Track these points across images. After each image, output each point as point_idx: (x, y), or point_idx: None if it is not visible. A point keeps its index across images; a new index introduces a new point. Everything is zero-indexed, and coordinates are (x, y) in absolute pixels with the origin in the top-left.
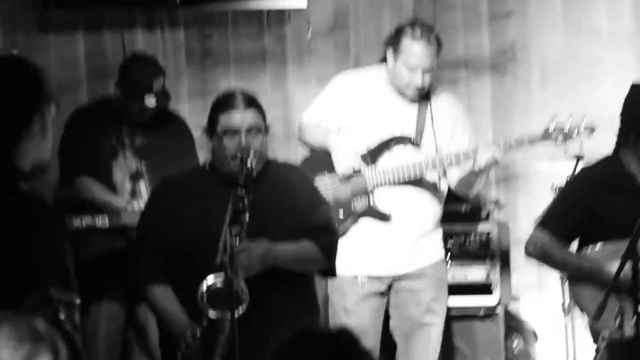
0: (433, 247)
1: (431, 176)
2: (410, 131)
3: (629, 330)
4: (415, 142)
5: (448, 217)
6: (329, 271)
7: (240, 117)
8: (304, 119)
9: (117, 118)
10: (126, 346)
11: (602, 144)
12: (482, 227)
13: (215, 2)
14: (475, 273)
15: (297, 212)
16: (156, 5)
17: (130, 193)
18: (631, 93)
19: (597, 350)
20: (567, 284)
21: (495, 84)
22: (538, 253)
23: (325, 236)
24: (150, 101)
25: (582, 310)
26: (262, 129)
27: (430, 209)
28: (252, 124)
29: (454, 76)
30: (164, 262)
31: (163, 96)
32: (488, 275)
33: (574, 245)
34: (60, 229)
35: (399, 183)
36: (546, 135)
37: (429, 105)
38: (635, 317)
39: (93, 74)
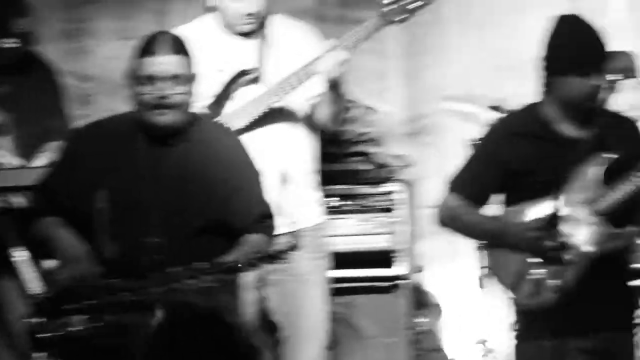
0: (309, 204)
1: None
2: (248, 65)
3: (546, 297)
4: (257, 78)
5: (346, 177)
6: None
7: (161, 62)
8: None
9: None
10: None
11: (521, 91)
12: (385, 188)
13: None
14: (376, 241)
15: (227, 184)
16: None
17: None
18: (554, 28)
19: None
20: (482, 252)
21: (407, 22)
22: (448, 220)
23: (269, 223)
24: (9, 43)
25: (498, 278)
26: (186, 77)
27: (295, 142)
28: (175, 72)
29: (360, 15)
30: (62, 202)
31: (26, 38)
32: (391, 243)
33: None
34: None
35: (250, 126)
36: (383, 18)
37: (264, 34)
38: (552, 285)
39: None
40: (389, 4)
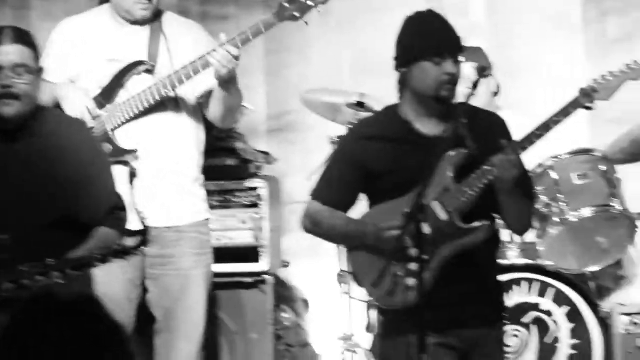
0: (194, 200)
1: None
2: (142, 56)
3: (402, 297)
4: (149, 69)
5: (212, 173)
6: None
7: (6, 51)
8: None
9: None
10: None
11: (384, 89)
12: (250, 183)
13: None
14: (241, 236)
15: (76, 177)
16: None
17: None
18: (403, 27)
19: (370, 318)
20: (343, 249)
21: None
22: (311, 227)
23: (121, 216)
24: None
25: (356, 278)
26: (31, 68)
27: (183, 136)
28: (19, 62)
29: (223, 12)
30: None
31: None
32: (256, 239)
33: None
34: None
35: (140, 115)
36: (280, 13)
37: (160, 26)
38: (410, 284)
39: None
40: (285, 2)
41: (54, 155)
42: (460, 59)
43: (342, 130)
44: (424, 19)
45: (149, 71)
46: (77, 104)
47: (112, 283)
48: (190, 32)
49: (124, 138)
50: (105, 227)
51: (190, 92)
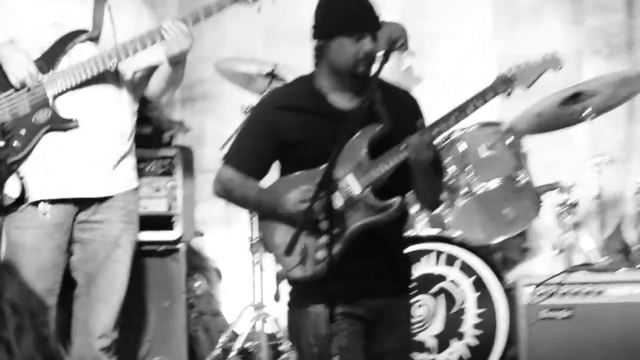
0: (123, 171)
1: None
2: (86, 27)
3: (311, 269)
4: (92, 37)
5: None
6: None
7: None
8: None
9: None
10: None
11: (297, 59)
12: (164, 152)
13: None
14: (154, 204)
15: None
16: None
17: None
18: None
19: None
20: (255, 220)
21: None
22: (223, 192)
23: None
24: None
25: (265, 247)
26: None
27: (120, 108)
28: None
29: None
30: None
31: None
32: (169, 207)
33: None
34: None
35: (81, 84)
36: None
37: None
38: (319, 256)
39: None
40: None
41: None
42: (379, 34)
43: (256, 99)
44: None
45: (93, 40)
46: (21, 67)
47: (40, 250)
48: (133, 5)
49: (63, 105)
50: None
51: (128, 66)
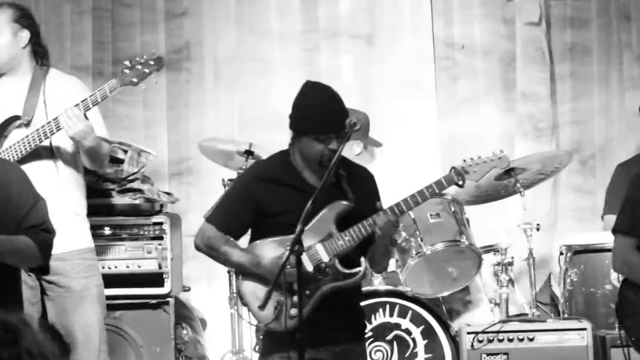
0: (76, 232)
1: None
2: (19, 112)
3: (284, 323)
4: (25, 122)
5: (122, 210)
6: (44, 268)
7: None
8: None
9: None
10: None
11: (278, 141)
12: (155, 219)
13: None
14: (148, 264)
15: (13, 208)
16: None
17: None
18: (299, 92)
19: (257, 338)
20: (235, 277)
21: (170, 81)
22: (204, 246)
23: (42, 234)
24: None
25: (243, 302)
26: None
27: (59, 179)
28: None
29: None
30: None
31: None
32: (160, 266)
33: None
34: None
35: (21, 161)
36: (122, 78)
37: (42, 83)
38: (292, 313)
39: None
40: (128, 66)
41: None
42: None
43: (233, 174)
44: (317, 94)
45: (28, 123)
46: None
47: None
48: (64, 88)
49: None
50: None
51: (65, 141)
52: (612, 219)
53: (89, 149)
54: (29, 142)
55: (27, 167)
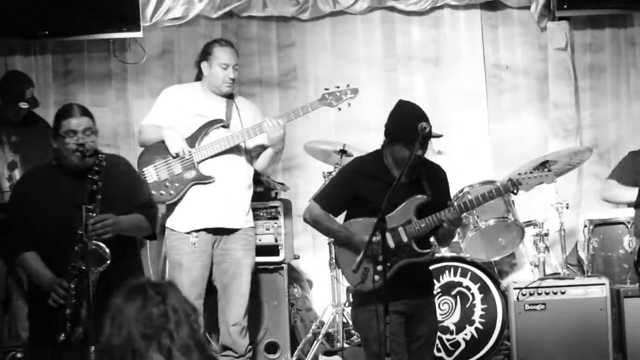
0: (245, 213)
1: (243, 148)
2: (221, 117)
3: (370, 285)
4: (225, 125)
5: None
6: (152, 236)
7: (77, 121)
8: (143, 123)
9: None
10: (8, 291)
11: (366, 142)
12: (272, 203)
13: (73, 34)
14: (267, 238)
15: (128, 192)
16: (30, 37)
17: (7, 179)
18: (393, 108)
19: (349, 297)
20: (333, 247)
21: (282, 97)
22: (311, 220)
23: (150, 210)
24: (23, 105)
25: (339, 267)
26: (93, 130)
27: (242, 170)
28: (86, 127)
29: (251, 91)
30: (30, 235)
31: (33, 102)
32: (276, 240)
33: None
34: None
35: (218, 154)
36: (322, 100)
37: (234, 101)
38: (376, 278)
39: None
40: (328, 92)
41: (116, 184)
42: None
43: (330, 168)
44: (408, 110)
45: (225, 126)
46: (177, 143)
47: (192, 268)
48: (251, 107)
49: (204, 168)
50: (138, 214)
51: (248, 143)
52: (611, 182)
53: (279, 152)
54: (231, 140)
55: (224, 158)
